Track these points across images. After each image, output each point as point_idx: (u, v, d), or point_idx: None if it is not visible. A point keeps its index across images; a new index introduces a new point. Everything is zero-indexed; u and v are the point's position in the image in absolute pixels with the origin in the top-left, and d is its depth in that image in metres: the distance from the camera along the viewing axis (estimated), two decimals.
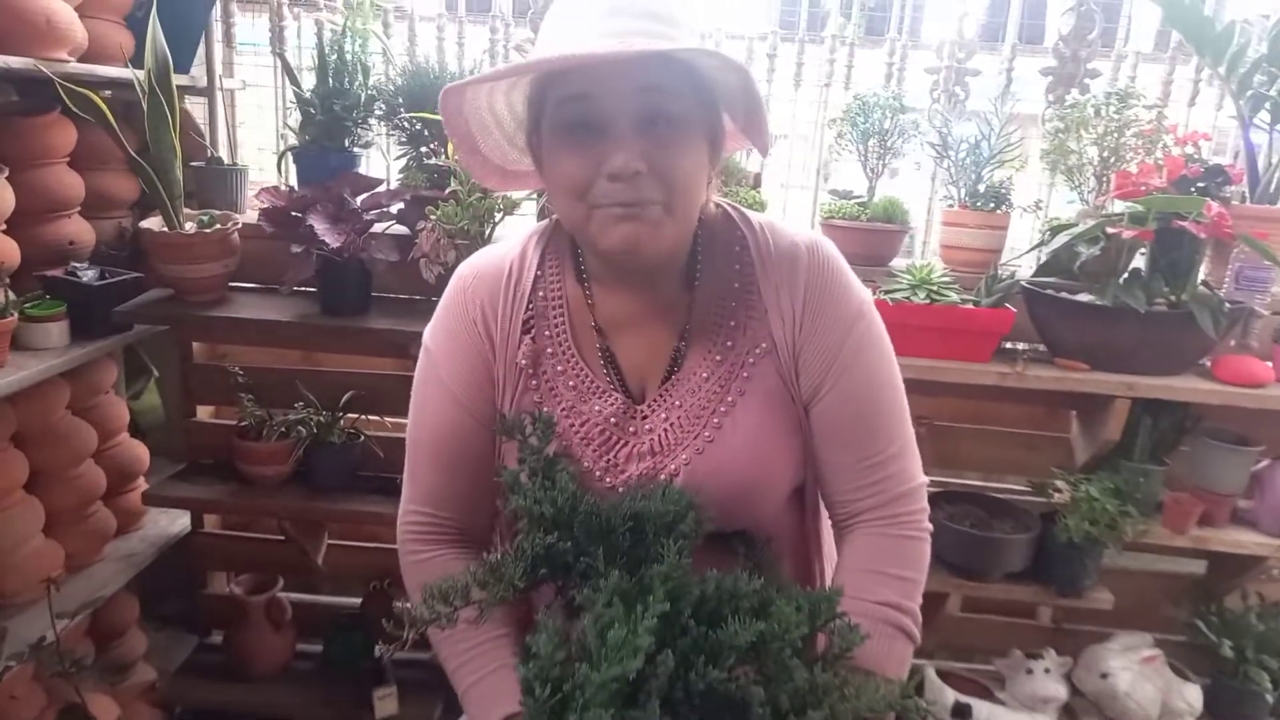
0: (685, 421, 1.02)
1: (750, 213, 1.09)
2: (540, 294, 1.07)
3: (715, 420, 1.01)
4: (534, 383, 1.05)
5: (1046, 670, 2.05)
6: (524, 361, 1.04)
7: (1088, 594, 1.94)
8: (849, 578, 1.03)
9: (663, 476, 1.01)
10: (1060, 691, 2.03)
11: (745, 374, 1.03)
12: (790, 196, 2.55)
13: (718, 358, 1.03)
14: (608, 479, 1.03)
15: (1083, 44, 2.15)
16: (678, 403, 1.03)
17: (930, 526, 1.06)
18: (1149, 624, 2.15)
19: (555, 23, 0.95)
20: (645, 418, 1.04)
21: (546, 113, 0.95)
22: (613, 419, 1.03)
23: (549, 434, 0.97)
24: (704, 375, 1.03)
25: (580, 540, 0.83)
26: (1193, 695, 2.02)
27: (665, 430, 1.03)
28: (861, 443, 1.03)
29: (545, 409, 1.04)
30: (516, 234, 1.13)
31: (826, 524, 1.14)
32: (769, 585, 0.84)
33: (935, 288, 1.81)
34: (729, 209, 1.09)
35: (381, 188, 1.91)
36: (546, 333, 1.06)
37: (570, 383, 1.04)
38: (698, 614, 0.79)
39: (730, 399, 1.02)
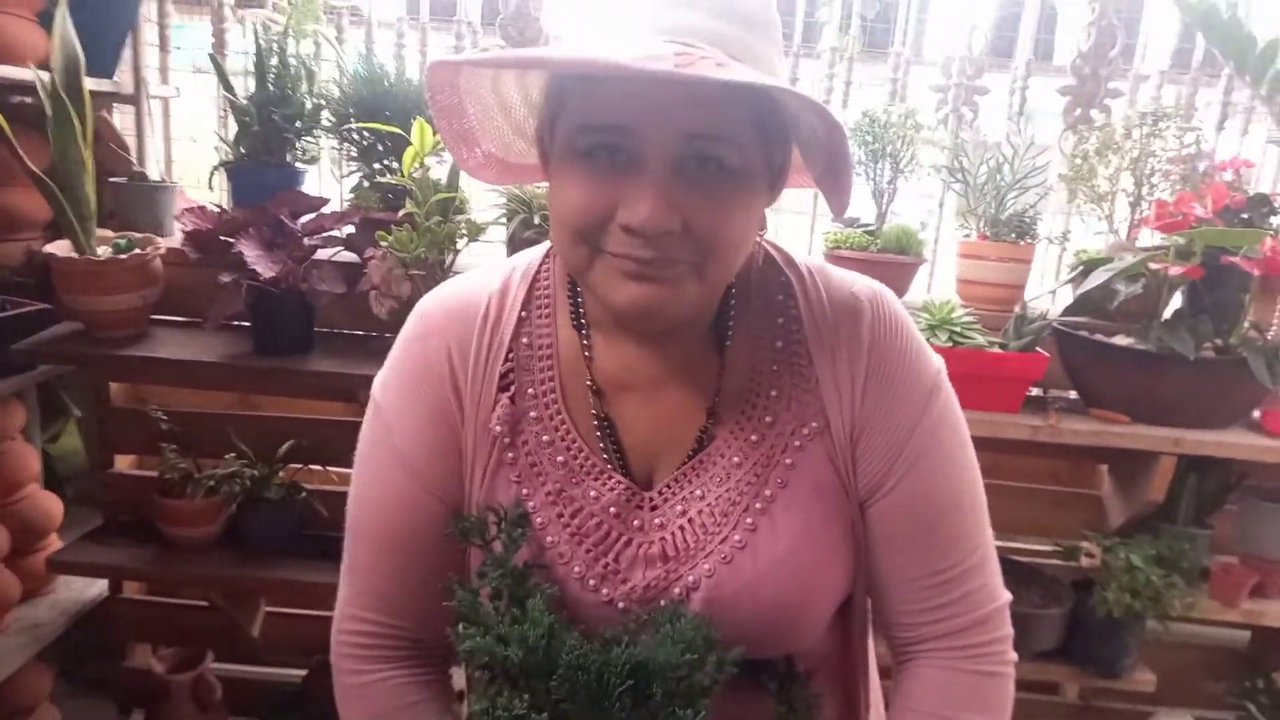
0: (709, 520, 0.79)
1: (795, 253, 0.86)
2: (524, 341, 0.83)
3: (749, 520, 0.78)
4: (511, 455, 0.81)
5: None
6: (499, 428, 0.80)
7: (1129, 674, 1.72)
8: None
9: (677, 590, 0.77)
10: None
11: (788, 460, 0.79)
12: (784, 222, 2.35)
13: (754, 438, 0.80)
14: (604, 589, 0.78)
15: (1103, 62, 1.98)
16: (699, 493, 0.79)
17: (1014, 657, 0.84)
18: (1186, 699, 1.96)
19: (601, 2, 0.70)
20: (655, 508, 0.80)
21: (563, 122, 0.72)
22: (613, 509, 0.80)
23: (520, 538, 0.74)
24: (735, 460, 0.80)
25: (561, 700, 0.60)
26: None
27: (681, 529, 0.79)
28: (933, 553, 0.80)
29: (525, 492, 0.80)
30: (499, 262, 0.88)
31: (873, 642, 0.91)
32: None
33: (958, 328, 1.60)
34: (769, 248, 0.86)
35: (327, 208, 1.67)
36: (530, 391, 0.82)
37: (559, 458, 0.81)
38: None
39: (768, 492, 0.79)
